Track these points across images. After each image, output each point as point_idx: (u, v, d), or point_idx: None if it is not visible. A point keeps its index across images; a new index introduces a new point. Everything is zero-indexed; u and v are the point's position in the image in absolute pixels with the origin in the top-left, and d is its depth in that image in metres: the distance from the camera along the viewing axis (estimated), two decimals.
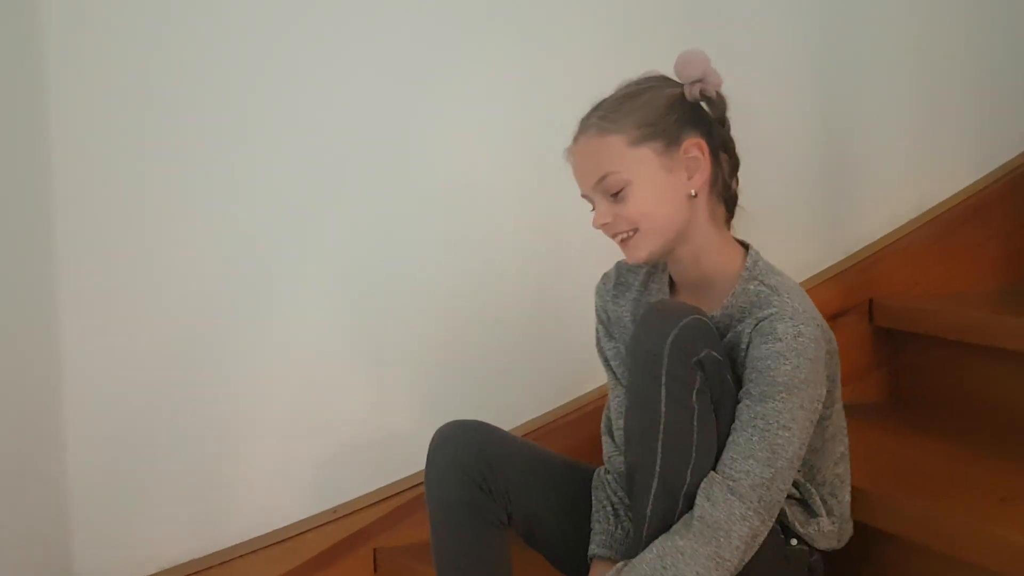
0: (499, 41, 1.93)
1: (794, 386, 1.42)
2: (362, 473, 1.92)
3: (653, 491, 1.41)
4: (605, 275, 1.67)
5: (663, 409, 1.39)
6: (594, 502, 1.57)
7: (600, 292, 1.66)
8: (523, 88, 1.94)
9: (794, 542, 1.49)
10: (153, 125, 1.79)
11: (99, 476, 1.81)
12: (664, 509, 1.41)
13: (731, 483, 1.39)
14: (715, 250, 1.55)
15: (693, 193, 1.51)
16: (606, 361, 1.65)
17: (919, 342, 2.01)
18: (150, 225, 1.81)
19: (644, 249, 1.51)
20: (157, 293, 1.82)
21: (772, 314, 1.45)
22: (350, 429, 1.92)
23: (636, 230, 1.50)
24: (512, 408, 1.96)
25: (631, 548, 1.47)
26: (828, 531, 1.53)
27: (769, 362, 1.42)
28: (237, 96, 1.82)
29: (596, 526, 1.56)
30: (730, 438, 1.42)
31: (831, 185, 2.12)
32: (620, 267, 1.65)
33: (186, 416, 1.84)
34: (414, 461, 1.90)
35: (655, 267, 1.61)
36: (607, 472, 1.60)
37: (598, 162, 1.50)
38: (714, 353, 1.41)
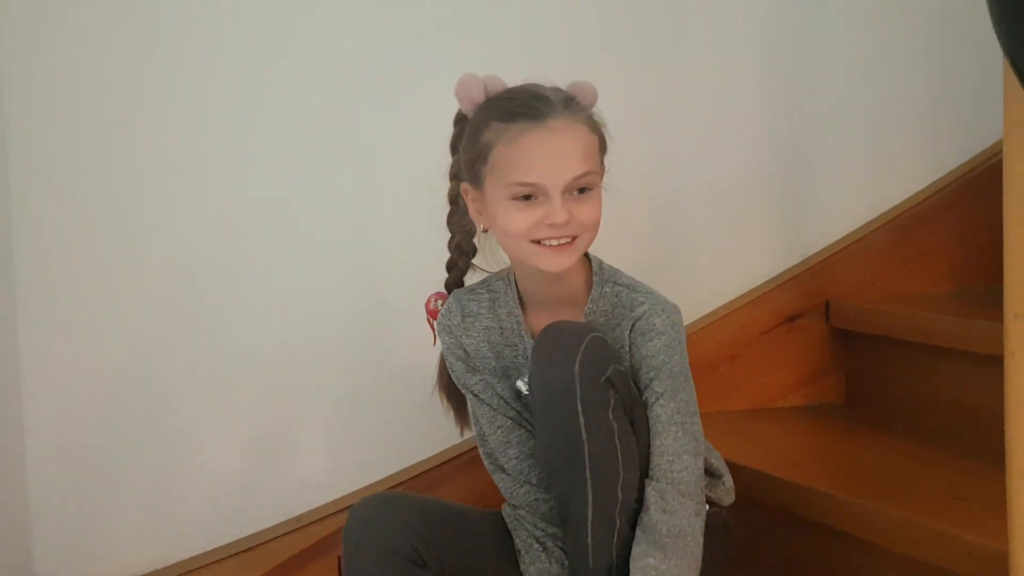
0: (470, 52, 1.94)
1: (687, 372, 1.47)
2: (323, 482, 1.91)
3: (590, 520, 1.40)
4: (447, 312, 1.57)
5: (584, 437, 1.37)
6: (518, 542, 1.54)
7: (449, 329, 1.56)
8: None
9: (706, 507, 1.50)
10: (111, 137, 1.79)
11: (60, 488, 1.81)
12: (604, 534, 1.41)
13: (680, 486, 1.42)
14: (571, 271, 1.50)
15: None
16: (475, 396, 1.55)
17: (875, 343, 2.03)
18: (109, 238, 1.80)
19: (574, 258, 1.45)
20: (116, 306, 1.81)
21: (645, 311, 1.47)
22: (310, 439, 1.92)
23: (577, 237, 1.44)
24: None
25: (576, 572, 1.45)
26: (729, 486, 1.56)
27: (662, 357, 1.46)
28: (226, 106, 1.84)
29: (531, 568, 1.52)
30: (656, 441, 1.44)
31: (786, 190, 2.13)
32: (459, 298, 1.57)
33: (146, 426, 1.84)
34: (375, 469, 1.92)
35: (497, 289, 1.56)
36: (514, 507, 1.55)
37: (587, 155, 1.43)
38: (618, 367, 1.42)
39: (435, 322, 1.59)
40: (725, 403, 2.03)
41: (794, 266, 2.13)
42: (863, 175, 2.17)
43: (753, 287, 2.11)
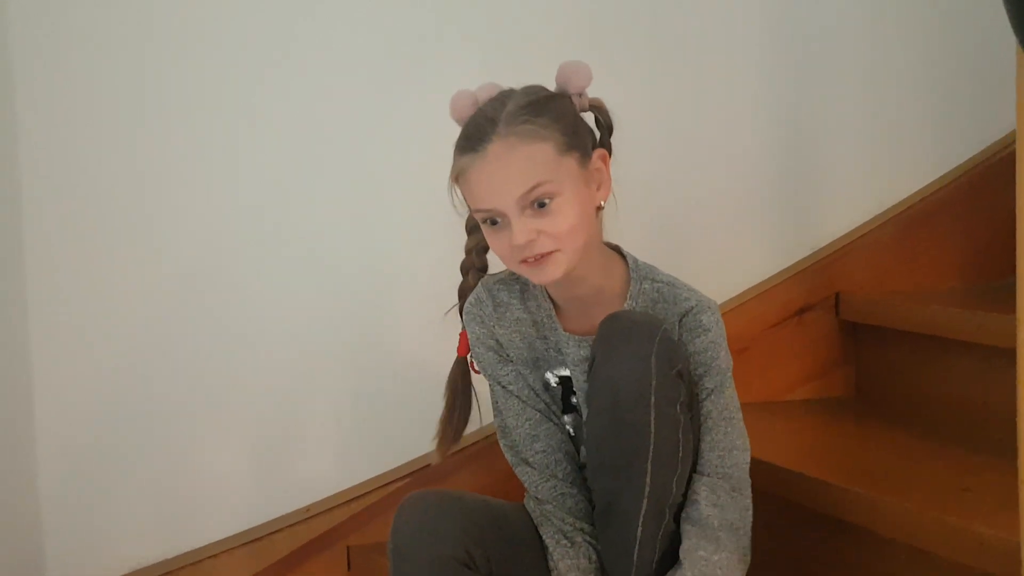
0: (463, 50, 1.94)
1: (730, 369, 1.48)
2: (333, 472, 1.92)
3: (643, 513, 1.38)
4: (476, 301, 1.54)
5: (652, 430, 1.36)
6: (547, 539, 1.49)
7: (480, 318, 1.53)
8: None
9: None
10: (125, 134, 1.80)
11: (70, 478, 1.82)
12: (653, 527, 1.40)
13: (731, 481, 1.43)
14: (602, 261, 1.50)
15: (601, 205, 1.48)
16: (503, 387, 1.53)
17: (884, 336, 2.03)
18: (113, 238, 1.81)
19: (562, 267, 1.41)
20: (122, 305, 1.82)
21: (692, 308, 1.47)
22: (318, 430, 1.92)
23: (556, 251, 1.40)
24: None
25: (610, 572, 1.45)
26: None
27: (710, 354, 1.46)
28: (229, 101, 1.85)
29: (560, 564, 1.47)
30: (708, 437, 1.44)
31: (794, 185, 2.13)
32: (490, 288, 1.54)
33: (156, 417, 1.85)
34: (383, 462, 1.93)
35: (526, 281, 1.52)
36: (539, 502, 1.52)
37: (528, 170, 1.38)
38: (687, 362, 1.42)
39: (464, 316, 1.56)
40: None
41: (803, 259, 2.13)
42: (871, 170, 2.17)
43: (762, 280, 2.11)
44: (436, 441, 1.58)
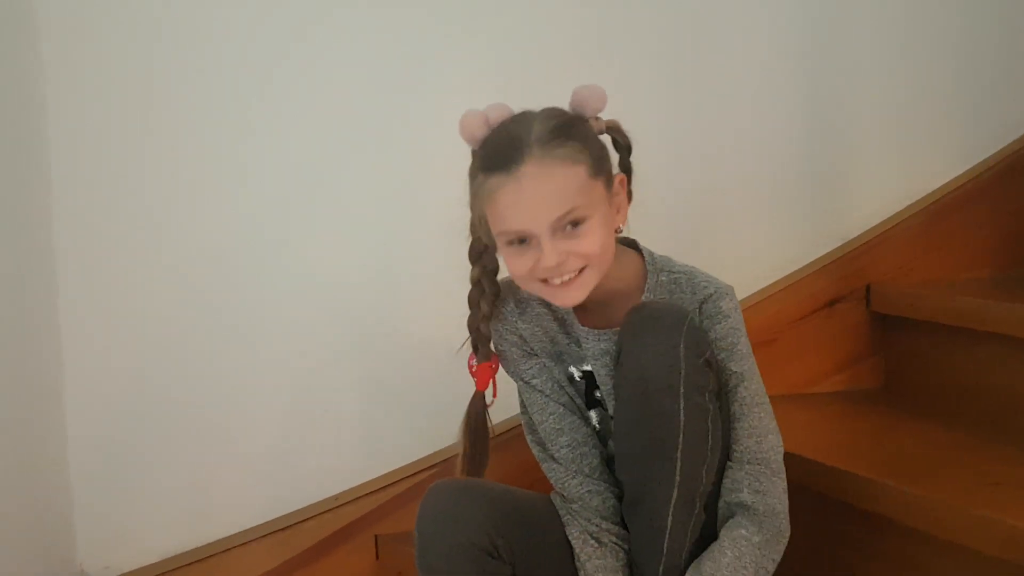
0: (479, 51, 1.94)
1: (751, 354, 1.49)
2: (360, 462, 1.93)
3: (673, 502, 1.39)
4: (498, 303, 1.55)
5: (682, 419, 1.36)
6: (574, 540, 1.48)
7: (502, 316, 1.55)
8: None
9: None
10: (153, 125, 1.81)
11: (101, 469, 1.83)
12: (683, 516, 1.40)
13: (772, 465, 1.45)
14: (618, 260, 1.49)
15: (620, 228, 1.50)
16: (527, 383, 1.54)
17: (913, 327, 2.02)
18: (146, 226, 1.82)
19: (586, 289, 1.43)
20: (154, 289, 1.83)
21: (711, 295, 1.48)
22: (348, 418, 1.93)
23: (584, 268, 1.42)
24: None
25: (642, 560, 1.45)
26: None
27: (731, 339, 1.47)
28: (241, 99, 1.85)
29: (588, 564, 1.47)
30: (741, 423, 1.45)
31: (823, 177, 2.12)
32: (510, 287, 1.54)
33: (185, 408, 1.86)
34: (410, 451, 1.94)
35: None
36: (566, 500, 1.51)
37: (564, 194, 1.39)
38: (714, 351, 1.43)
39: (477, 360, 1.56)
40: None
41: (833, 250, 2.12)
42: (900, 161, 2.16)
43: (791, 272, 2.10)
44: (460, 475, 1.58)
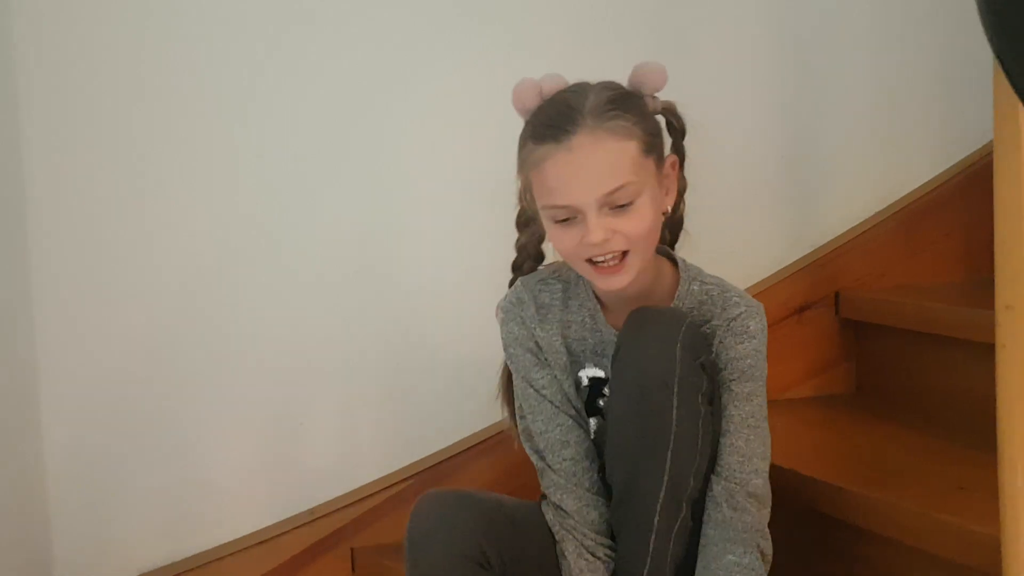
0: (473, 41, 1.95)
1: (765, 378, 1.47)
2: (337, 474, 1.93)
3: (661, 501, 1.39)
4: (518, 301, 1.52)
5: (675, 417, 1.36)
6: (569, 554, 1.46)
7: (520, 319, 1.51)
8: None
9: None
10: (128, 127, 1.82)
11: (78, 482, 1.84)
12: (670, 518, 1.40)
13: (748, 487, 1.43)
14: (655, 262, 1.49)
15: (668, 210, 1.48)
16: (536, 391, 1.51)
17: (884, 333, 2.03)
18: (122, 228, 1.83)
19: (631, 274, 1.40)
20: (132, 296, 1.84)
21: (742, 313, 1.46)
22: (324, 432, 1.94)
23: (627, 252, 1.39)
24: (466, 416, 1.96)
25: (627, 562, 1.45)
26: None
27: (749, 361, 1.45)
28: (229, 96, 1.86)
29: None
30: (726, 440, 1.44)
31: (794, 181, 2.13)
32: (531, 288, 1.52)
33: (162, 420, 1.86)
34: (386, 462, 1.94)
35: (569, 279, 1.52)
36: (560, 511, 1.49)
37: (616, 168, 1.36)
38: (709, 355, 1.43)
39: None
40: None
41: (803, 257, 2.13)
42: (871, 165, 2.16)
43: (762, 278, 2.10)
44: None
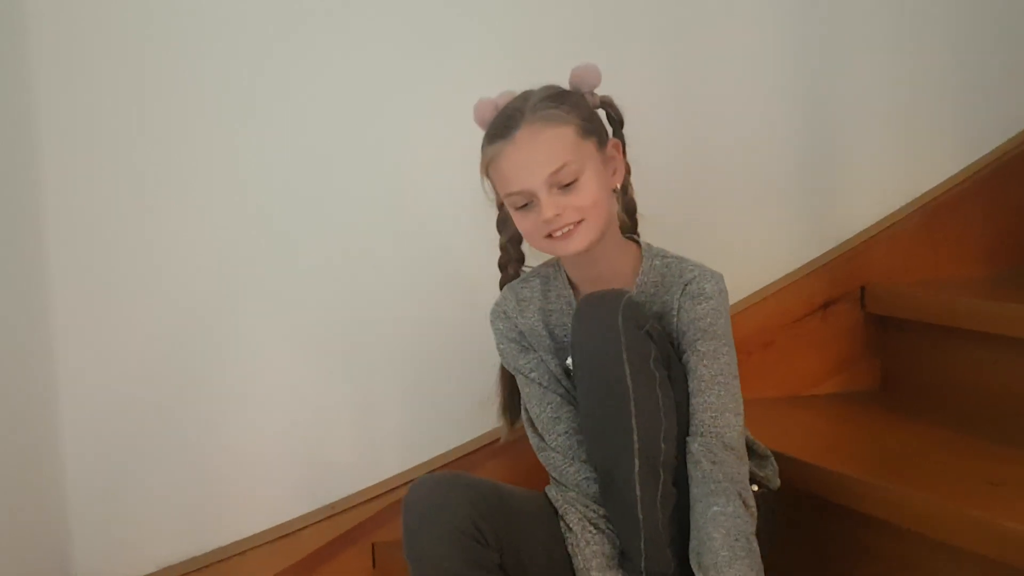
0: (471, 45, 1.94)
1: (730, 337, 1.56)
2: (358, 469, 1.93)
3: (637, 471, 1.45)
4: (501, 300, 1.66)
5: (630, 383, 1.43)
6: (573, 525, 1.52)
7: (504, 314, 1.65)
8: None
9: (755, 488, 1.54)
10: (148, 122, 1.81)
11: (96, 478, 1.83)
12: (650, 488, 1.46)
13: (724, 439, 1.49)
14: (617, 245, 1.61)
15: (617, 187, 1.61)
16: (525, 376, 1.63)
17: (909, 328, 2.02)
18: (141, 226, 1.83)
19: (586, 238, 1.53)
20: (150, 294, 1.83)
21: (696, 276, 1.57)
22: (345, 427, 1.93)
23: (581, 221, 1.52)
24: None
25: (625, 541, 1.49)
26: (775, 468, 1.63)
27: (709, 320, 1.54)
28: (236, 96, 1.85)
29: (586, 549, 1.51)
30: (697, 399, 1.50)
31: (818, 177, 2.12)
32: (512, 287, 1.67)
33: (182, 416, 1.86)
34: (406, 458, 1.93)
35: (547, 275, 1.65)
36: (564, 489, 1.56)
37: (554, 151, 1.51)
38: (656, 324, 1.50)
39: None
40: (758, 391, 2.00)
41: (828, 252, 2.11)
42: (895, 160, 2.15)
43: (786, 273, 2.09)
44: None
